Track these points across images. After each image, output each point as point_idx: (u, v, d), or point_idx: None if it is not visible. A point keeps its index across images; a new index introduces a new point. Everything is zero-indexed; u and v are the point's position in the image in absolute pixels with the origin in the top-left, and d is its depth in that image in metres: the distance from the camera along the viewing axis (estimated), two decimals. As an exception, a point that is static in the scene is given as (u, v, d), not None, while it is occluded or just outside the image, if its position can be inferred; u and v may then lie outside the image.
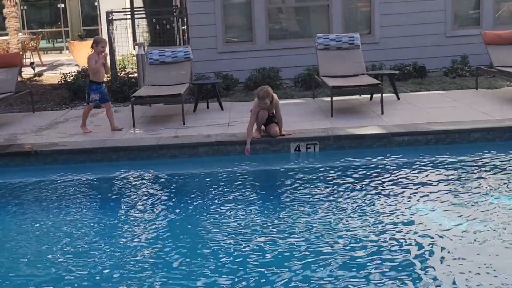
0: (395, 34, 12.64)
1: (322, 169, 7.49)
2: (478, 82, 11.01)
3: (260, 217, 6.06)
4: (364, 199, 6.33)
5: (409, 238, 5.31)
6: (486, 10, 12.86)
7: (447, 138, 8.21)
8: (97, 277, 4.90)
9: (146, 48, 11.70)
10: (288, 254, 5.11)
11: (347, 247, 5.18)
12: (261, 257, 5.08)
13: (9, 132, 9.39)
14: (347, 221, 5.79)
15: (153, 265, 5.08)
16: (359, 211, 6.03)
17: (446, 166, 7.33)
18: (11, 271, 5.10)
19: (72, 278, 4.90)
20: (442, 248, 5.08)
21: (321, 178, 7.18)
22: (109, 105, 9.31)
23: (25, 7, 22.77)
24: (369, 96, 10.49)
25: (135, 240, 5.64)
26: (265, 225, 5.79)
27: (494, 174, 6.98)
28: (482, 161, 7.43)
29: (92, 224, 6.11)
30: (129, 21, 15.27)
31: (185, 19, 13.14)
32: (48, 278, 4.95)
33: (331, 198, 6.44)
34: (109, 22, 13.23)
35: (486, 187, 6.57)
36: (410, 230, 5.50)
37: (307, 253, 5.10)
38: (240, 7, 12.92)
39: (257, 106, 8.07)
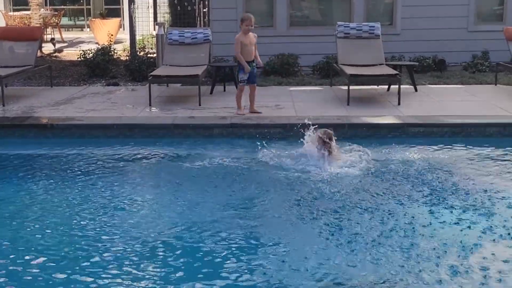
0: (416, 26, 12.56)
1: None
2: (497, 78, 10.94)
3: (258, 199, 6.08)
4: (377, 190, 6.32)
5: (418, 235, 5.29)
6: (510, 5, 12.74)
7: (462, 131, 8.18)
8: (107, 256, 4.91)
9: (166, 29, 11.72)
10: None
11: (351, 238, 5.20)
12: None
13: (27, 104, 9.47)
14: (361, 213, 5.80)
15: (166, 243, 5.10)
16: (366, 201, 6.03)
17: (461, 159, 7.28)
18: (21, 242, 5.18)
19: (82, 252, 4.95)
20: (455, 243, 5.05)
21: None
22: (254, 87, 8.92)
23: (49, -17, 22.92)
24: (386, 86, 10.45)
25: (141, 216, 5.69)
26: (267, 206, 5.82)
27: (509, 169, 6.93)
28: (497, 156, 7.38)
29: (97, 198, 6.16)
30: (151, 1, 15.29)
31: (206, 1, 13.12)
32: (59, 250, 4.99)
33: (346, 185, 6.44)
34: (131, 1, 13.26)
35: (500, 183, 6.50)
36: (421, 223, 5.49)
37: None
38: (262, -8, 12.90)
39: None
